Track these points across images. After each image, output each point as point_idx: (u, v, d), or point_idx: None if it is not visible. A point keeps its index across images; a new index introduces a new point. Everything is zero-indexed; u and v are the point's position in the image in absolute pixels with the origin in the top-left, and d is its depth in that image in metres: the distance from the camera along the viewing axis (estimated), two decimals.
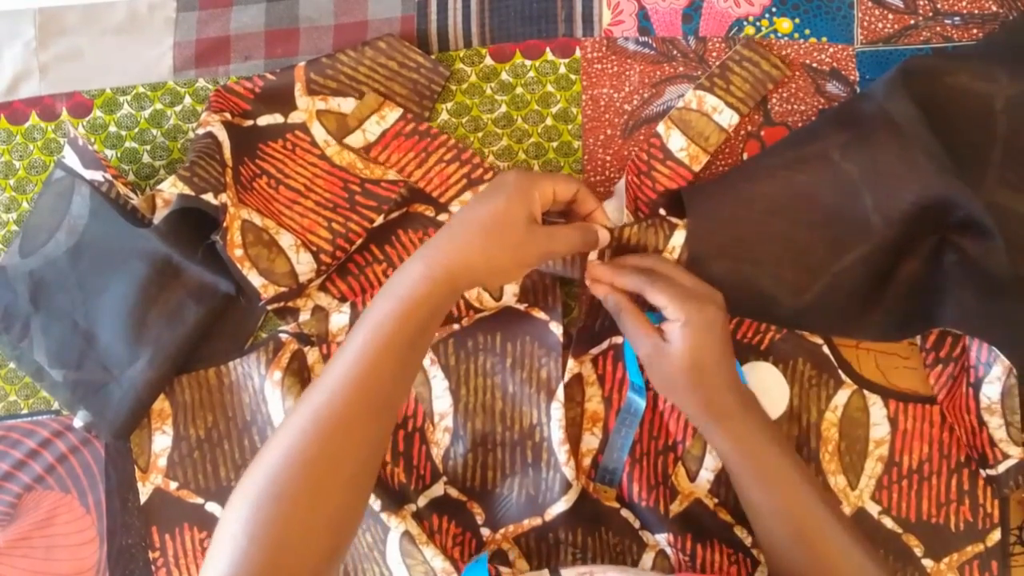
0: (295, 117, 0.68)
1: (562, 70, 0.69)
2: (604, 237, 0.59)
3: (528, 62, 0.70)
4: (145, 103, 0.72)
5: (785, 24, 0.68)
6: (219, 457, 0.66)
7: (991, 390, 0.59)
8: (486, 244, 0.52)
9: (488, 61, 0.70)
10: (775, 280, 0.62)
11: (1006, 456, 0.59)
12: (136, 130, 0.71)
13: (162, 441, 0.66)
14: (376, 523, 0.60)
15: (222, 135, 0.65)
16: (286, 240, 0.63)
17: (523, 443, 0.64)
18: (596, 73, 0.69)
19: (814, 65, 0.68)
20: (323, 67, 0.68)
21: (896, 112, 0.60)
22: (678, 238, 0.61)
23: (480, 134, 0.69)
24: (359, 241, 0.66)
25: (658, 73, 0.68)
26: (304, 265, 0.63)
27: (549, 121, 0.69)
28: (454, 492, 0.64)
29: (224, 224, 0.60)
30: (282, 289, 0.63)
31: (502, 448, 0.64)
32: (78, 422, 0.65)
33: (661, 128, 0.65)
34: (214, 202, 0.60)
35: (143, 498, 0.66)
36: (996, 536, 0.62)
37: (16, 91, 0.73)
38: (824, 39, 0.68)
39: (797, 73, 0.68)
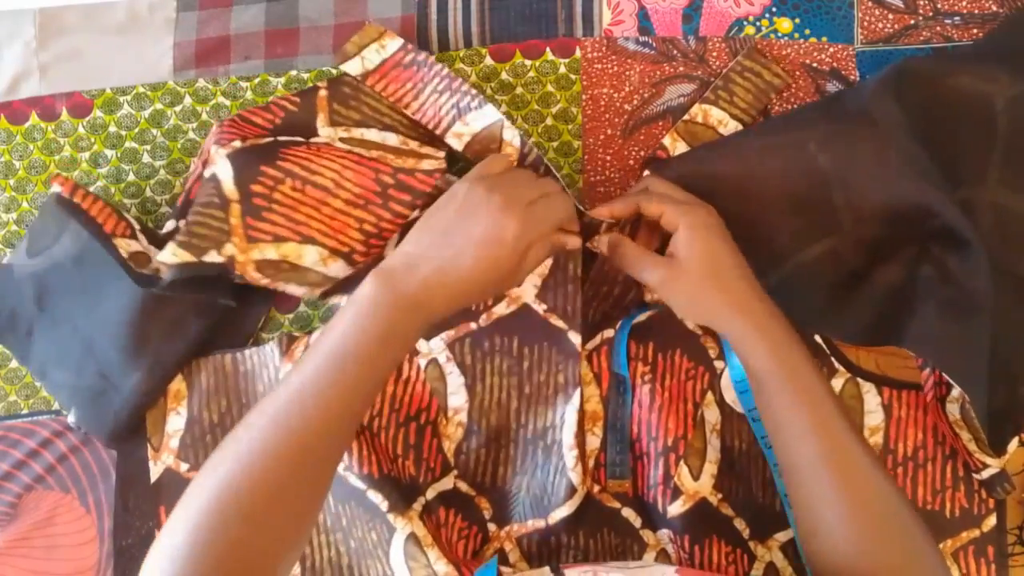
0: (316, 140, 0.66)
1: (562, 70, 0.69)
2: (574, 241, 0.60)
3: (528, 62, 0.70)
4: (145, 103, 0.72)
5: (785, 24, 0.68)
6: None
7: (952, 408, 0.59)
8: (475, 288, 0.54)
9: (488, 61, 0.70)
10: None
11: (985, 465, 0.59)
12: (136, 130, 0.71)
13: (176, 422, 0.66)
14: (382, 523, 0.60)
15: (224, 172, 0.61)
16: (310, 258, 0.61)
17: (536, 443, 0.64)
18: (596, 73, 0.69)
19: (814, 65, 0.68)
20: (346, 97, 0.66)
21: (878, 112, 0.59)
22: None
23: None
24: (392, 238, 0.65)
25: (658, 73, 0.68)
26: (337, 271, 0.62)
27: (549, 121, 0.69)
28: (464, 486, 0.64)
29: (236, 271, 0.60)
30: (327, 287, 0.63)
31: (514, 445, 0.64)
32: (71, 418, 0.65)
33: (667, 141, 0.66)
34: (218, 259, 0.59)
35: (153, 476, 0.66)
36: (991, 522, 0.62)
37: (16, 91, 0.73)
38: (824, 39, 0.68)
39: (797, 73, 0.68)
